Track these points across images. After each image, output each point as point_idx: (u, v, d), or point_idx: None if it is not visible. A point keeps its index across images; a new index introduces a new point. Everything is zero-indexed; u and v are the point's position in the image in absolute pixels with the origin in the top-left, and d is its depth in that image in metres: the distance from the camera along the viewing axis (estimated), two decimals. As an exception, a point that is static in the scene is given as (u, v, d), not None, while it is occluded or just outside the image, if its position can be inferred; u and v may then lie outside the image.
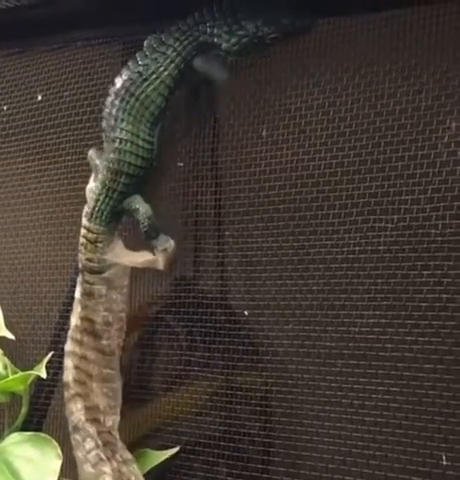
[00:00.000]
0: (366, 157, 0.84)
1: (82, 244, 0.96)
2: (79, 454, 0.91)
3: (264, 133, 0.91)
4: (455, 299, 0.77)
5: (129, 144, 0.91)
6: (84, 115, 1.06)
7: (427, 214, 0.79)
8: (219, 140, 0.97)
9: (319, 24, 0.88)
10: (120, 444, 0.92)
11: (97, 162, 0.96)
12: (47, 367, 0.97)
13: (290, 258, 0.89)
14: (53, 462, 0.89)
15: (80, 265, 0.96)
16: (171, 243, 0.93)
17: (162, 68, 0.91)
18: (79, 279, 0.96)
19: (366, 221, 0.83)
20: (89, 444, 0.90)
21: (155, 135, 0.92)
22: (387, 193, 0.82)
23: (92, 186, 0.97)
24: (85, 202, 1.03)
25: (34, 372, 0.97)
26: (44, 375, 0.95)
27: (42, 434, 0.94)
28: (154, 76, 0.91)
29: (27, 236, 1.12)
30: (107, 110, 0.92)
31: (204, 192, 0.98)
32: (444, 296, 0.78)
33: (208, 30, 0.90)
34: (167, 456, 0.94)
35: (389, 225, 0.82)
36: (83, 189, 1.05)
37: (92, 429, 0.91)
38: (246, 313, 0.93)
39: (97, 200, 0.94)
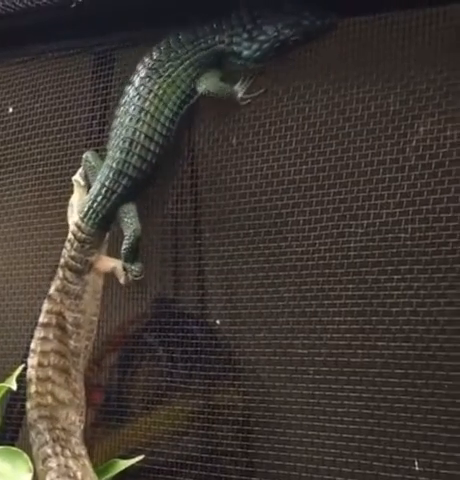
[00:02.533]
0: (335, 162, 0.84)
1: (69, 241, 0.93)
2: (34, 451, 0.92)
3: (234, 141, 0.91)
4: (425, 303, 0.77)
5: (139, 146, 0.89)
6: (55, 126, 1.06)
7: (396, 218, 0.79)
8: (191, 149, 0.96)
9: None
10: (74, 439, 0.92)
11: (94, 164, 0.94)
12: (19, 380, 0.96)
13: (261, 265, 0.88)
14: (23, 476, 0.88)
15: (62, 260, 0.93)
16: (141, 276, 0.91)
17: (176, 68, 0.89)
18: (57, 275, 0.94)
19: (336, 227, 0.83)
20: (39, 441, 0.91)
21: (169, 138, 0.90)
22: (356, 198, 0.82)
23: (78, 178, 0.96)
24: (58, 214, 1.03)
25: (4, 385, 0.96)
26: (14, 387, 0.94)
27: (13, 448, 0.94)
28: (172, 72, 0.89)
29: (-1, 249, 1.12)
30: (122, 109, 0.90)
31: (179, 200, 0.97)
32: (414, 300, 0.78)
33: (226, 40, 0.88)
34: (131, 463, 0.94)
35: (359, 230, 0.82)
36: (54, 201, 1.05)
37: (42, 426, 0.91)
38: (218, 322, 0.92)
39: (94, 201, 0.92)
